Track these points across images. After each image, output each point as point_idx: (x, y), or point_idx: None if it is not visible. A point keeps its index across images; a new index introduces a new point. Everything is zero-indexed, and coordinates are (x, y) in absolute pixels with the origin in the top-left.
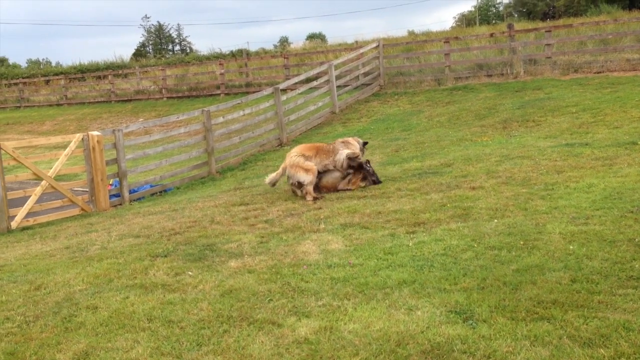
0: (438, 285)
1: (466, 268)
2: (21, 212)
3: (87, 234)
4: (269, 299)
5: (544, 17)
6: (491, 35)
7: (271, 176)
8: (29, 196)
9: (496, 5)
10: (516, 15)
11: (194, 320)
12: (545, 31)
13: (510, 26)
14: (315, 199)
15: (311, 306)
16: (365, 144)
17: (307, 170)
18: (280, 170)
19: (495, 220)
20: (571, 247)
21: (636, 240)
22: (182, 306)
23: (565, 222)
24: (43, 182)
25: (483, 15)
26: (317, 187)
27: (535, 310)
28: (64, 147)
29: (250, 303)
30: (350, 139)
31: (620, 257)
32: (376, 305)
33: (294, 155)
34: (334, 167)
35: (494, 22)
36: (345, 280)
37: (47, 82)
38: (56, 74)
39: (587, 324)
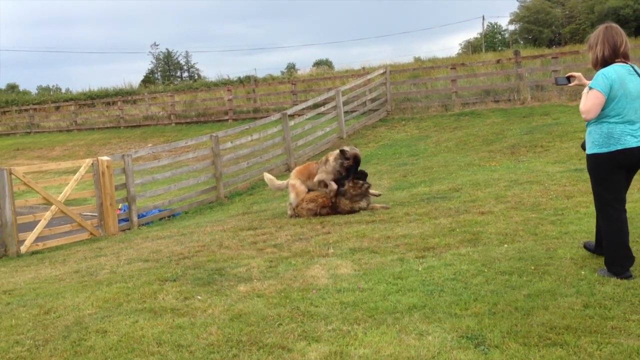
0: (449, 310)
1: (477, 293)
2: (31, 237)
3: (96, 258)
4: (278, 323)
5: (550, 44)
6: (497, 61)
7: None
8: (39, 220)
9: (502, 33)
10: (522, 42)
11: (204, 345)
12: (552, 58)
13: (516, 53)
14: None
15: (321, 331)
16: (343, 152)
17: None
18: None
19: (505, 245)
20: (583, 272)
21: None
22: (192, 330)
23: (576, 247)
24: (53, 207)
25: (489, 42)
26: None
27: (548, 335)
28: (74, 172)
29: (259, 327)
30: (328, 156)
31: (632, 283)
32: (386, 330)
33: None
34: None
35: (500, 48)
36: (354, 305)
37: (57, 108)
38: (66, 100)
39: (600, 350)
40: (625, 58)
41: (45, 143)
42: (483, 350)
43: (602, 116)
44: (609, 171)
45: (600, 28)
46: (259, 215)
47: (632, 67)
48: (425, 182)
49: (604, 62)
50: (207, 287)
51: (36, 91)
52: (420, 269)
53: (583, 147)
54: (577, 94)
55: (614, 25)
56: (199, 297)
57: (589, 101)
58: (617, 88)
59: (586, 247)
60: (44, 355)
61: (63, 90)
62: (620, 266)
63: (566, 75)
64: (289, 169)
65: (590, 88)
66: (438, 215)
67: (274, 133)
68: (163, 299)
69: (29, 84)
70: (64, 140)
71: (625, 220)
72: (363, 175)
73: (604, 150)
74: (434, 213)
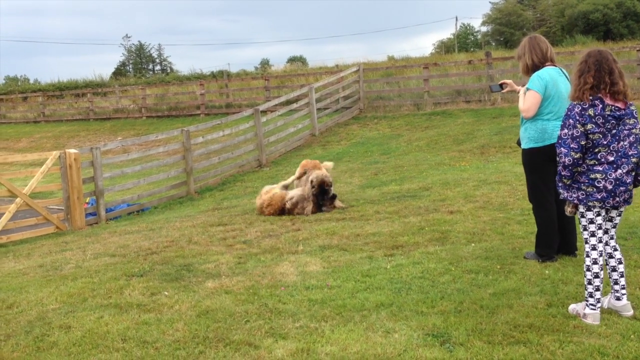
0: (415, 308)
1: (443, 291)
2: None
3: (62, 252)
4: (245, 320)
5: None
6: (469, 62)
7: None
8: (3, 213)
9: (474, 34)
10: (494, 44)
11: (169, 341)
12: None
13: (488, 54)
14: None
15: (288, 328)
16: (311, 182)
17: None
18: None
19: (473, 244)
20: (547, 271)
21: None
22: (158, 326)
23: None
24: (18, 200)
25: (461, 43)
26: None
27: (512, 334)
28: (41, 164)
29: (226, 324)
30: (309, 176)
31: None
32: (354, 327)
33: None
34: None
35: (472, 49)
36: (322, 302)
37: (25, 99)
38: (34, 91)
39: (562, 349)
40: (552, 62)
41: (12, 134)
42: (448, 348)
43: (537, 114)
44: (544, 163)
45: (525, 39)
46: (229, 211)
47: (561, 70)
48: (396, 181)
49: (534, 67)
50: (174, 283)
51: (3, 81)
52: (388, 267)
53: (518, 143)
54: None
55: (537, 35)
56: (166, 293)
57: (528, 101)
58: (551, 88)
59: (526, 257)
60: (6, 350)
61: (31, 81)
62: (549, 249)
63: (499, 83)
64: (260, 165)
65: (528, 89)
66: (408, 213)
67: (246, 129)
68: (129, 294)
69: None
70: (30, 132)
71: (555, 209)
72: (332, 198)
73: (540, 144)
74: (403, 211)
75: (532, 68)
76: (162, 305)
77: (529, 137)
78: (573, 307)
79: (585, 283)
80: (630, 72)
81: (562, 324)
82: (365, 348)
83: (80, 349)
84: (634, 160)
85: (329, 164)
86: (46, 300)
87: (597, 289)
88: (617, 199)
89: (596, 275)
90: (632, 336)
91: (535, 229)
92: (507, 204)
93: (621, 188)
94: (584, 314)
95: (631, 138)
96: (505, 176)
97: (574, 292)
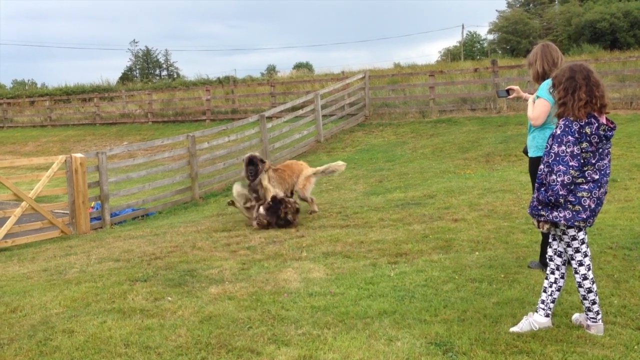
0: (418, 316)
1: (447, 300)
2: None
3: (66, 256)
4: (248, 326)
5: (527, 54)
6: (475, 70)
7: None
8: (9, 217)
9: (480, 42)
10: (500, 52)
11: (172, 347)
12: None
13: (494, 62)
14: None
15: (291, 334)
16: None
17: None
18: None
19: (477, 253)
20: None
21: (615, 276)
22: (160, 332)
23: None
24: (23, 203)
25: (468, 51)
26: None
27: (515, 343)
28: (46, 168)
29: (229, 330)
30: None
31: (599, 293)
32: (356, 335)
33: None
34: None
35: (478, 57)
36: (325, 309)
37: (32, 103)
38: (41, 95)
39: (565, 359)
40: None
41: (18, 138)
42: (451, 357)
43: (546, 122)
44: None
45: (538, 47)
46: (233, 216)
47: None
48: (401, 188)
49: (545, 75)
50: (178, 288)
51: (11, 85)
52: (392, 274)
53: (525, 152)
54: None
55: (550, 43)
56: (169, 299)
57: (537, 109)
58: None
59: (530, 267)
60: (9, 354)
61: (39, 85)
62: None
63: (506, 88)
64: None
65: (538, 97)
66: (412, 221)
67: (251, 135)
68: (133, 299)
69: (4, 77)
70: (37, 136)
71: None
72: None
73: None
74: (408, 219)
75: (543, 76)
76: (165, 310)
77: (536, 146)
78: (576, 317)
79: (581, 298)
80: (637, 82)
81: (566, 334)
82: (367, 356)
83: (83, 353)
84: (608, 179)
85: (341, 164)
86: (50, 305)
87: (594, 302)
88: (594, 218)
89: (589, 290)
90: (635, 347)
91: (540, 238)
92: (511, 213)
93: (599, 207)
94: (587, 325)
95: (609, 157)
96: (510, 185)
97: (578, 302)
